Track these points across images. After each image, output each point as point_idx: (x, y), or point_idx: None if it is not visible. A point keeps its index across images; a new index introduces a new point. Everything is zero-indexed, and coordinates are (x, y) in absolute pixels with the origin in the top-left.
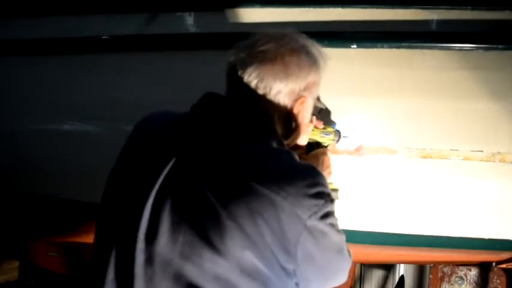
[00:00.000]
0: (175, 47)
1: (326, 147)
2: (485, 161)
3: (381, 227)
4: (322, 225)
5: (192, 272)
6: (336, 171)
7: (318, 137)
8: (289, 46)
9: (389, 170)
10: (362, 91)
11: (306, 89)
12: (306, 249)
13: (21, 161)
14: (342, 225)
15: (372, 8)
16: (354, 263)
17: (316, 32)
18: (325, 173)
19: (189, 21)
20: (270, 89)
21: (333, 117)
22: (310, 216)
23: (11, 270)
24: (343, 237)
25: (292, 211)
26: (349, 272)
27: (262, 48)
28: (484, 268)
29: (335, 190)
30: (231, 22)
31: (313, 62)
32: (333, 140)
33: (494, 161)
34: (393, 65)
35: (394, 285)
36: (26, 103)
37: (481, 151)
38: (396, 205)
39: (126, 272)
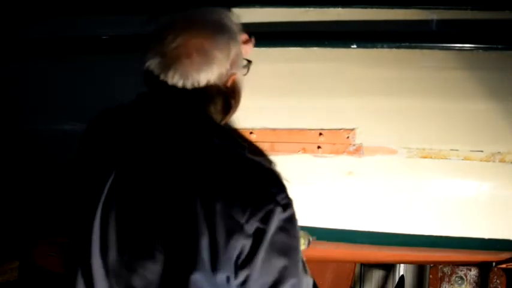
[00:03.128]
0: None
1: None
2: (485, 161)
3: (381, 227)
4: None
5: (138, 283)
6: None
7: None
8: (199, 33)
9: (389, 170)
10: (362, 91)
11: (232, 65)
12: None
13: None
14: (342, 225)
15: (372, 8)
16: (354, 263)
17: (316, 32)
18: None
19: None
20: (198, 82)
21: (333, 118)
22: (248, 220)
23: (11, 270)
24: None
25: (230, 212)
26: (349, 272)
27: (173, 45)
28: (484, 268)
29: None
30: None
31: (230, 35)
32: (304, 244)
33: (494, 161)
34: (393, 65)
35: (394, 285)
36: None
37: (481, 151)
38: (396, 205)
39: None
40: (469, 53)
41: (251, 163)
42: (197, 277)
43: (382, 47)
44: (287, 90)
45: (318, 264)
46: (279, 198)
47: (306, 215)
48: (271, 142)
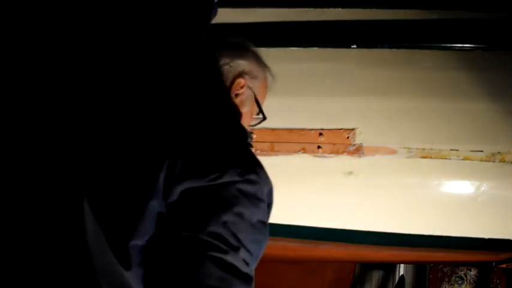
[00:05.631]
0: None
1: None
2: (485, 161)
3: (381, 227)
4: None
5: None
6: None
7: None
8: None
9: (389, 170)
10: (362, 91)
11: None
12: None
13: None
14: (342, 225)
15: (371, 8)
16: (354, 263)
17: (316, 32)
18: None
19: None
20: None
21: (333, 118)
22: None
23: None
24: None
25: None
26: (349, 272)
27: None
28: (484, 268)
29: None
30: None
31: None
32: None
33: (494, 161)
34: (393, 65)
35: (394, 285)
36: None
37: (481, 151)
38: (396, 205)
39: None
40: (469, 53)
41: (235, 141)
42: (153, 203)
43: (382, 47)
44: (287, 90)
45: (318, 264)
46: (242, 170)
47: (306, 215)
48: (271, 142)
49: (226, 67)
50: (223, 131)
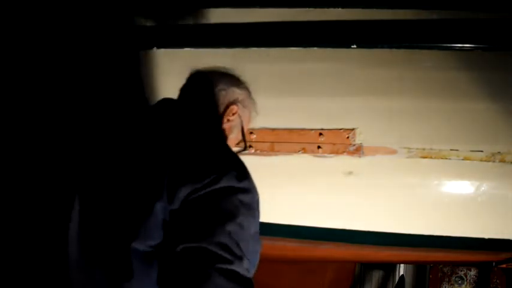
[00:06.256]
0: None
1: None
2: (485, 161)
3: (380, 227)
4: None
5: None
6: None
7: None
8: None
9: (389, 170)
10: (362, 91)
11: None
12: None
13: None
14: (342, 225)
15: (371, 8)
16: (354, 263)
17: (316, 32)
18: None
19: None
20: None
21: (333, 118)
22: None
23: None
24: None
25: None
26: (349, 272)
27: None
28: (484, 268)
29: None
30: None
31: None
32: None
33: (494, 161)
34: (393, 65)
35: (394, 285)
36: None
37: (481, 151)
38: (396, 205)
39: None
40: (469, 53)
41: (223, 148)
42: (158, 205)
43: (382, 47)
44: (287, 90)
45: (318, 264)
46: (234, 177)
47: (306, 215)
48: (271, 142)
49: (223, 92)
50: (216, 145)
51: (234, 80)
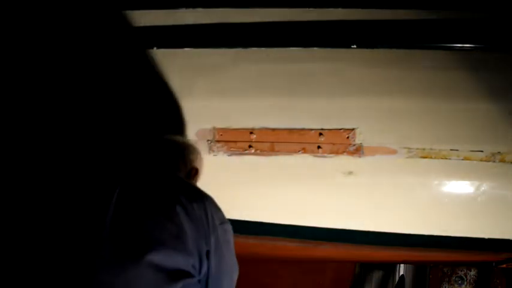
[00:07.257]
0: None
1: None
2: (485, 161)
3: (381, 227)
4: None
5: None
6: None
7: None
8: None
9: (389, 170)
10: (362, 91)
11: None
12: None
13: None
14: (342, 225)
15: (371, 8)
16: (354, 263)
17: (316, 32)
18: None
19: None
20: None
21: (333, 118)
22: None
23: None
24: None
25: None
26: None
27: None
28: (484, 268)
29: None
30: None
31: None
32: None
33: (494, 161)
34: (393, 65)
35: (394, 285)
36: None
37: (481, 151)
38: (396, 205)
39: None
40: (469, 53)
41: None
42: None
43: (382, 47)
44: (287, 90)
45: (318, 264)
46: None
47: (306, 215)
48: (271, 142)
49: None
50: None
51: (194, 150)
